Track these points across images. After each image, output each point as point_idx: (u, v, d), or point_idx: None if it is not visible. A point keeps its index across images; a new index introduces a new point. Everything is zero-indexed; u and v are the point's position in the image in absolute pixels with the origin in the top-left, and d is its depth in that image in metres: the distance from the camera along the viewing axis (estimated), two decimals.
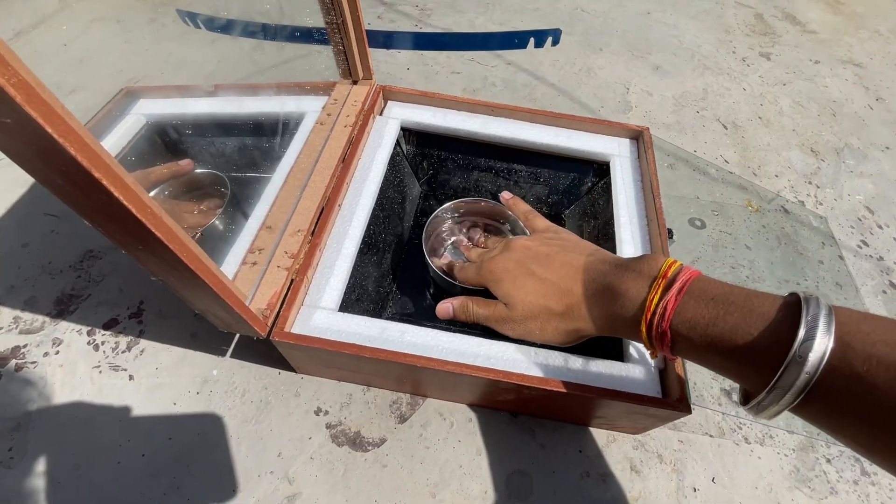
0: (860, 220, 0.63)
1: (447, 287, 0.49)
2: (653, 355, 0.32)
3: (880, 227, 0.63)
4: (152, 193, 0.53)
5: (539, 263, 0.37)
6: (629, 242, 0.45)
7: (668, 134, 0.71)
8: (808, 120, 0.75)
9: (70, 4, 1.04)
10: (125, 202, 0.21)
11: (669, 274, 0.29)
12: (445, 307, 0.41)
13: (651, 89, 0.77)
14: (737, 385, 0.47)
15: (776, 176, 0.67)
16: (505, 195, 0.50)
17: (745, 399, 0.26)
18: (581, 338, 0.36)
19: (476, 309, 0.39)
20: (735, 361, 0.25)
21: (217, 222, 0.47)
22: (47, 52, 0.92)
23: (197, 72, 0.85)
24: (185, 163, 0.54)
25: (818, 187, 0.66)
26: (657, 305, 0.28)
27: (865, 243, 0.60)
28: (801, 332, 0.22)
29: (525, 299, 0.37)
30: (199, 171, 0.55)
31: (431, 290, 0.53)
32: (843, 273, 0.57)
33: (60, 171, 0.20)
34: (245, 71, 0.81)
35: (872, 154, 0.71)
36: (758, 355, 0.24)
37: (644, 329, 0.29)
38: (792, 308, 0.23)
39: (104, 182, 0.20)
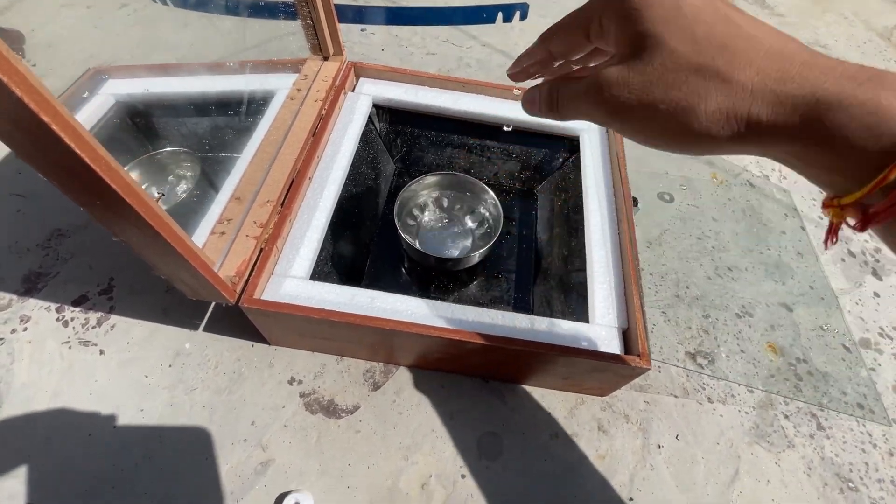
0: (822, 192, 0.65)
1: (420, 259, 0.50)
2: (836, 227, 0.18)
3: None
4: None
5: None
6: (596, 212, 0.46)
7: None
8: None
9: None
10: (77, 149, 0.21)
11: None
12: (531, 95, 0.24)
13: None
14: (703, 349, 0.49)
15: None
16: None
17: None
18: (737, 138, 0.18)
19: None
20: None
21: (186, 199, 0.47)
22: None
23: (169, 56, 0.84)
24: None
25: None
26: None
27: None
28: None
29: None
30: (168, 149, 0.54)
31: (406, 265, 0.53)
32: (804, 243, 0.59)
33: (8, 116, 0.20)
34: (217, 54, 0.80)
35: None
36: None
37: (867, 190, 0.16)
38: None
39: (53, 126, 0.20)
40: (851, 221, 0.17)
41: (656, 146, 0.20)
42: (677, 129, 0.19)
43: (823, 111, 0.16)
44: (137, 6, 0.94)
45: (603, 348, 0.38)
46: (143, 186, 0.52)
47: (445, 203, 0.56)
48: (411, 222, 0.54)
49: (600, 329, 0.39)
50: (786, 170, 0.68)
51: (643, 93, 0.19)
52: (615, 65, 0.20)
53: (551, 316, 0.40)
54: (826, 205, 0.18)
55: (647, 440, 0.43)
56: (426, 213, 0.56)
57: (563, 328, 0.38)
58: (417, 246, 0.48)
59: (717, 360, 0.48)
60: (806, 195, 0.65)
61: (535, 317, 0.39)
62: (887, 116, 0.15)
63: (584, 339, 0.38)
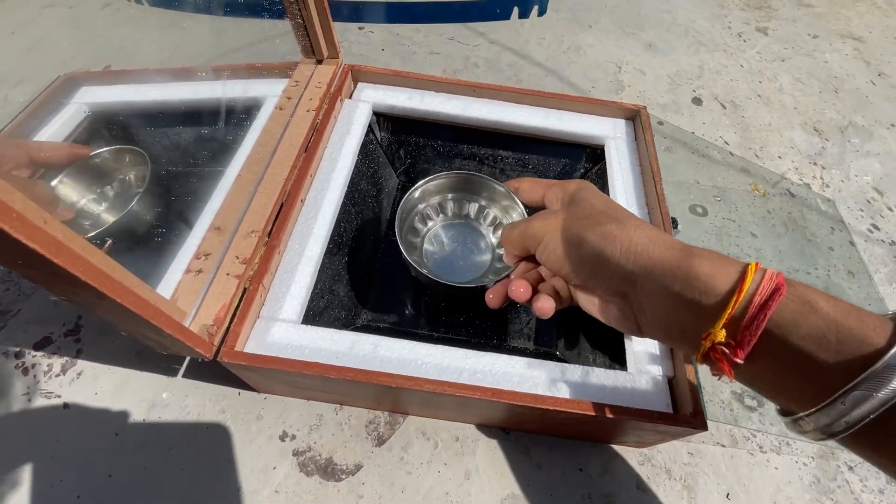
0: (869, 202, 0.59)
1: (431, 285, 0.43)
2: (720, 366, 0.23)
3: (890, 209, 0.59)
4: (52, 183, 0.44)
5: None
6: None
7: (663, 115, 0.66)
8: (810, 98, 0.71)
9: None
10: None
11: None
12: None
13: (644, 68, 0.72)
14: (751, 391, 0.43)
15: (779, 157, 0.63)
16: (511, 184, 0.41)
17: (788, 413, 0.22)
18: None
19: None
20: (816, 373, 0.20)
21: (137, 209, 0.40)
22: None
23: (153, 58, 0.79)
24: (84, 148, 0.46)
25: (824, 168, 0.62)
26: (754, 291, 0.22)
27: (876, 227, 0.57)
28: None
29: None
30: (108, 149, 0.46)
31: (413, 289, 0.48)
32: (854, 260, 0.53)
33: None
34: (204, 57, 0.74)
35: (878, 132, 0.67)
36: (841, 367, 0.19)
37: (725, 318, 0.22)
38: None
39: None
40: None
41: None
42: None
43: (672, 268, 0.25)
44: (121, 5, 0.89)
45: (647, 403, 0.32)
46: (84, 196, 0.44)
47: (459, 210, 0.47)
48: (415, 239, 0.46)
49: (641, 377, 0.33)
50: (827, 176, 0.62)
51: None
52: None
53: (578, 353, 0.34)
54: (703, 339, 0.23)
55: (693, 500, 0.37)
56: (434, 223, 0.48)
57: (600, 378, 0.33)
58: (425, 270, 0.41)
59: (767, 402, 0.42)
60: (852, 205, 0.58)
61: (566, 365, 0.33)
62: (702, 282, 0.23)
63: (626, 392, 0.32)
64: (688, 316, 0.24)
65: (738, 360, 0.22)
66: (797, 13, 0.87)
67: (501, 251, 0.36)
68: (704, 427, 0.30)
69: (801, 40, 0.81)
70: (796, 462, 0.40)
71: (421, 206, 0.46)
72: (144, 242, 0.40)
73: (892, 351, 0.17)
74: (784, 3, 0.89)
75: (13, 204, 0.17)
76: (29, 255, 0.18)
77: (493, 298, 0.34)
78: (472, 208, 0.47)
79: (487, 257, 0.45)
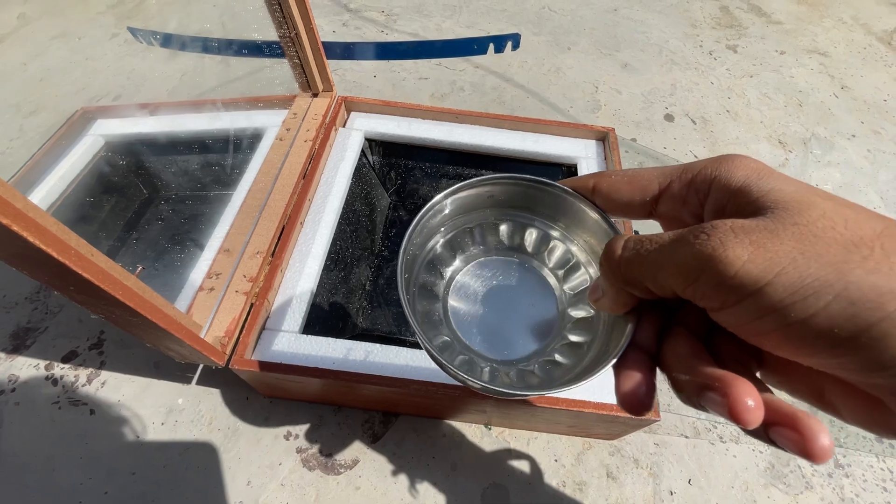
0: None
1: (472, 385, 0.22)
2: None
3: None
4: None
5: None
6: None
7: (637, 132, 0.71)
8: (776, 111, 0.76)
9: (30, 22, 1.02)
10: (42, 246, 0.20)
11: None
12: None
13: (620, 87, 0.77)
14: None
15: None
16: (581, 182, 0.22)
17: None
18: None
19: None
20: None
21: (173, 252, 0.45)
22: (6, 72, 0.90)
23: (160, 87, 0.84)
24: None
25: None
26: None
27: None
28: None
29: None
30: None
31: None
32: None
33: None
34: (209, 84, 0.79)
35: (839, 143, 0.72)
36: None
37: None
38: None
39: (14, 228, 0.19)
40: None
41: None
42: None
43: None
44: (128, 36, 0.94)
45: (608, 396, 0.36)
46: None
47: (502, 237, 0.27)
48: (434, 283, 0.26)
49: (604, 376, 0.37)
50: None
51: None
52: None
53: None
54: None
55: (658, 486, 0.41)
56: (462, 259, 0.27)
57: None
58: (457, 368, 0.20)
59: None
60: None
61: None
62: None
63: (590, 388, 0.36)
64: None
65: None
66: (766, 30, 0.92)
67: (593, 295, 0.20)
68: (657, 417, 0.34)
69: (769, 56, 0.86)
70: (753, 450, 0.44)
71: (439, 237, 0.26)
72: (165, 264, 0.44)
73: None
74: (753, 21, 0.94)
75: (69, 242, 0.22)
76: (81, 283, 0.23)
77: (634, 401, 0.16)
78: (529, 236, 0.26)
79: (552, 312, 0.25)
